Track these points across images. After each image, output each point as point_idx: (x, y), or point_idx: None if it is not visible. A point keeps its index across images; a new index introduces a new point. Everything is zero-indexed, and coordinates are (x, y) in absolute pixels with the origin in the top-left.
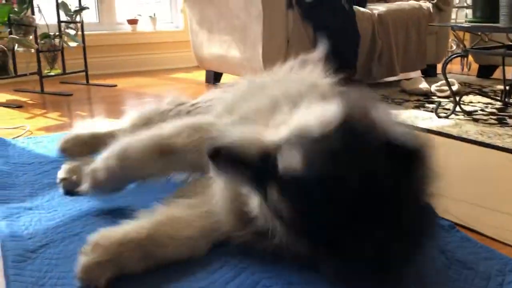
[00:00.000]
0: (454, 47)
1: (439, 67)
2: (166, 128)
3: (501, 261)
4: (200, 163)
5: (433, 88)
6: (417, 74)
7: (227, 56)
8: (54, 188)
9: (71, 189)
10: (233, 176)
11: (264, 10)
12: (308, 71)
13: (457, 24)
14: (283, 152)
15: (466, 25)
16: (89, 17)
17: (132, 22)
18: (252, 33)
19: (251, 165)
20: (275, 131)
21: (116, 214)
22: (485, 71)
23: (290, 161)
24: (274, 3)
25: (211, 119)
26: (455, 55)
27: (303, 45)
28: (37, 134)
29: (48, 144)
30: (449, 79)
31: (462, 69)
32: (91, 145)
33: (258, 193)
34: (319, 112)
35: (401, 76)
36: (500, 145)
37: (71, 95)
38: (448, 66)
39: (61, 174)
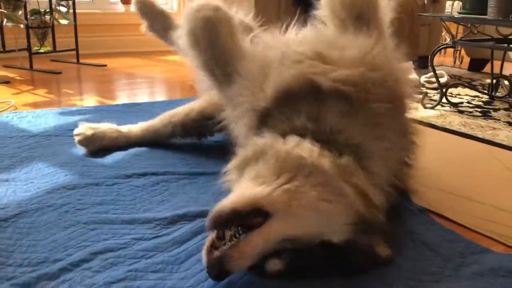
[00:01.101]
0: (448, 40)
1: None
2: None
3: (463, 244)
4: None
5: (422, 79)
6: (408, 64)
7: None
8: (33, 161)
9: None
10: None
11: None
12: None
13: (446, 15)
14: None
15: (455, 16)
16: None
17: (126, 2)
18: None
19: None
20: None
21: (93, 187)
22: (476, 65)
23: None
24: None
25: None
26: (443, 46)
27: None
28: (22, 109)
29: (33, 120)
30: (439, 71)
31: (454, 62)
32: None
33: None
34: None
35: None
36: (481, 136)
37: (60, 73)
38: (441, 59)
39: (77, 130)
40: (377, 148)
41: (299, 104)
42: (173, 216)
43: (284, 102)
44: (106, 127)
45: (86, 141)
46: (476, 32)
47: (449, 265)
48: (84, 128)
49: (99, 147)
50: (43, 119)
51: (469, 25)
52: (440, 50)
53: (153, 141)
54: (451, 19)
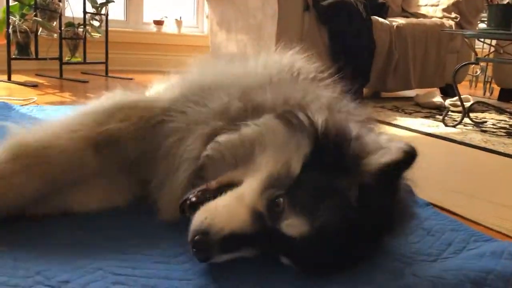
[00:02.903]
0: (479, 71)
1: (460, 87)
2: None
3: (467, 232)
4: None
5: (447, 102)
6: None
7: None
8: None
9: None
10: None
11: (279, 10)
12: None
13: (469, 31)
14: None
15: (477, 32)
16: (116, 14)
17: (158, 23)
18: (267, 32)
19: (253, 237)
20: (251, 185)
21: None
22: (507, 95)
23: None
24: (290, 4)
25: (146, 96)
26: (466, 63)
27: (316, 48)
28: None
29: (52, 113)
30: (464, 96)
31: (484, 94)
32: None
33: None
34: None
35: (417, 91)
36: (502, 151)
37: (87, 82)
38: (472, 91)
39: None
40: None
41: None
42: None
43: None
44: None
45: None
46: (502, 51)
47: (449, 249)
48: None
49: None
50: (63, 112)
51: (494, 44)
52: (462, 67)
53: None
54: (474, 35)
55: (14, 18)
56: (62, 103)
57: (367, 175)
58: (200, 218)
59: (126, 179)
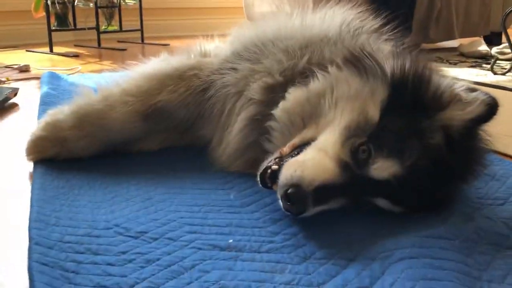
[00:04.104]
0: None
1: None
2: (144, 81)
3: None
4: (194, 125)
5: (494, 50)
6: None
7: (280, 11)
8: None
9: None
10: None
11: None
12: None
13: None
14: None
15: None
16: None
17: None
18: None
19: (343, 186)
20: (330, 135)
21: None
22: None
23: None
24: None
25: (195, 60)
26: None
27: (357, 0)
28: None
29: (98, 79)
30: None
31: None
32: None
33: (360, 202)
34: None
35: (461, 40)
36: None
37: (125, 49)
38: None
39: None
40: None
41: None
42: None
43: None
44: None
45: None
46: None
47: None
48: None
49: None
50: (108, 78)
51: None
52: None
53: None
54: None
55: None
56: (104, 70)
57: (453, 130)
58: (289, 171)
59: (179, 133)
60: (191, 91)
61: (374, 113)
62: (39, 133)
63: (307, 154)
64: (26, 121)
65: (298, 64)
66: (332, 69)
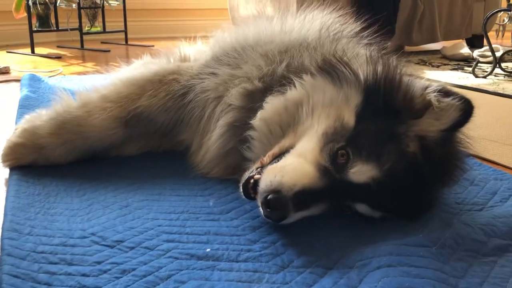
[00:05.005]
0: (506, 20)
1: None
2: (123, 87)
3: (511, 181)
4: (174, 130)
5: (476, 53)
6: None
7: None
8: None
9: None
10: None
11: None
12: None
13: None
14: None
15: None
16: None
17: None
18: None
19: (323, 191)
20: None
21: None
22: None
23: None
24: None
25: (175, 64)
26: (499, 10)
27: (338, 2)
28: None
29: (79, 82)
30: (493, 45)
31: None
32: None
33: (340, 207)
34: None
35: (443, 43)
36: None
37: (108, 51)
38: (497, 40)
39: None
40: None
41: None
42: None
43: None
44: None
45: None
46: None
47: (495, 198)
48: None
49: None
50: (90, 81)
51: None
52: (493, 15)
53: None
54: None
55: None
56: (86, 72)
57: (429, 140)
58: (268, 177)
59: (158, 138)
60: (171, 96)
61: (349, 118)
62: (16, 139)
63: (287, 160)
64: (4, 125)
65: (276, 70)
66: (307, 78)
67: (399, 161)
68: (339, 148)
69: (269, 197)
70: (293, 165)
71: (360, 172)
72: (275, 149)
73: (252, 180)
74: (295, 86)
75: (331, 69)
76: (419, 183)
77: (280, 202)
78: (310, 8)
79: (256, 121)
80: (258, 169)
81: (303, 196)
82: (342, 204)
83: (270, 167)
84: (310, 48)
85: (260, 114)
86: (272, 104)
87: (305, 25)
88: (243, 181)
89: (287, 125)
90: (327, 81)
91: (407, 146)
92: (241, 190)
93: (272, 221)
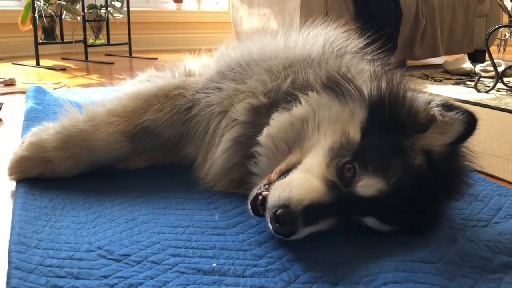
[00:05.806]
0: (508, 35)
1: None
2: (129, 101)
3: None
4: (179, 144)
5: (478, 68)
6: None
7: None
8: None
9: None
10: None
11: None
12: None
13: None
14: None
15: None
16: None
17: (178, 0)
18: (291, 4)
19: (331, 205)
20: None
21: None
22: None
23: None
24: None
25: (180, 79)
26: (501, 26)
27: (342, 18)
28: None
29: (84, 94)
30: (495, 60)
31: None
32: None
33: (347, 222)
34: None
35: (445, 58)
36: None
37: (112, 63)
38: (499, 55)
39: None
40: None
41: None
42: None
43: None
44: None
45: None
46: None
47: (499, 214)
48: None
49: None
50: (95, 94)
51: None
52: (494, 30)
53: None
54: None
55: (39, 3)
56: (90, 85)
57: (434, 154)
58: (276, 193)
59: (164, 152)
60: (176, 110)
61: (355, 133)
62: (23, 153)
63: (294, 175)
64: (10, 137)
65: (281, 85)
66: (312, 94)
67: (406, 174)
68: (346, 163)
69: (278, 212)
70: (301, 180)
71: (367, 185)
72: (282, 166)
73: (260, 197)
74: (300, 103)
75: (336, 86)
76: (427, 195)
77: (289, 216)
78: (314, 24)
79: (263, 138)
80: (266, 186)
81: (312, 211)
82: (350, 218)
83: (277, 182)
84: (314, 64)
85: (266, 130)
86: (278, 121)
87: (309, 40)
88: (251, 198)
89: (293, 141)
90: (332, 97)
91: (413, 159)
92: (250, 207)
93: (282, 237)
